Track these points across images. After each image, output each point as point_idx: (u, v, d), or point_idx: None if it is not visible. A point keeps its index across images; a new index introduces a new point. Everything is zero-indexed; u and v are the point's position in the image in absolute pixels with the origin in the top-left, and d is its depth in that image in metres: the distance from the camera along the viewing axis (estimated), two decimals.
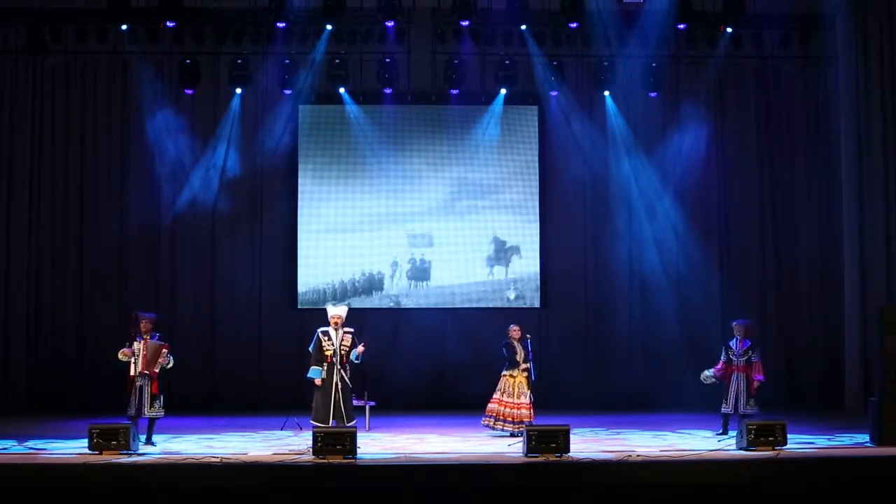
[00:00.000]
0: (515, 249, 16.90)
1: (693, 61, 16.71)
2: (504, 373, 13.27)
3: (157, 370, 12.30)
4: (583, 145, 16.83)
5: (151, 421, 12.17)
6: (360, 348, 12.16)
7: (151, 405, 12.21)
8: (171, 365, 12.39)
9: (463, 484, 10.32)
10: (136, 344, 12.23)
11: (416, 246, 16.85)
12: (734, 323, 13.24)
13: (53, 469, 10.51)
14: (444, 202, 16.90)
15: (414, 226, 16.81)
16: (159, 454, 11.31)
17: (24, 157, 16.31)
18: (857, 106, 15.74)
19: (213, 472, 10.36)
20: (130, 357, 12.16)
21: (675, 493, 10.25)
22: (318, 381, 12.14)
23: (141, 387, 12.20)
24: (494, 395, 13.22)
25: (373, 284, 16.76)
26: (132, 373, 12.16)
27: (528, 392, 13.04)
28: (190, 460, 10.75)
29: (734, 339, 13.10)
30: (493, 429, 13.07)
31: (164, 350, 12.35)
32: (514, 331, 13.31)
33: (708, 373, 13.01)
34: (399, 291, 16.80)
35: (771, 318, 16.65)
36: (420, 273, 16.83)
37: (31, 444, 12.10)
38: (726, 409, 12.96)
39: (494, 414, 13.14)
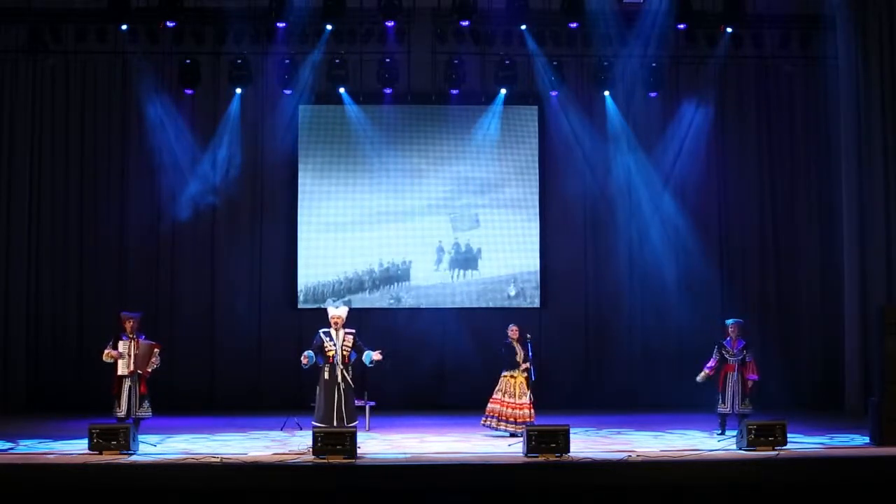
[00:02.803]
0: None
1: (693, 61, 16.69)
2: (504, 373, 13.28)
3: (149, 370, 12.30)
4: (583, 145, 16.83)
5: (137, 421, 12.13)
6: (377, 356, 12.14)
7: (140, 405, 12.21)
8: (158, 365, 12.41)
9: (463, 484, 10.33)
10: (121, 343, 12.20)
11: (459, 230, 16.85)
12: (729, 322, 13.25)
13: (53, 469, 10.51)
14: (444, 201, 16.89)
15: (456, 210, 16.82)
16: (159, 454, 11.31)
17: (24, 157, 16.29)
18: (857, 106, 15.71)
19: (213, 472, 10.38)
20: (118, 357, 12.14)
21: (675, 493, 10.26)
22: (304, 360, 11.96)
23: (130, 387, 12.19)
24: (494, 396, 13.23)
25: (399, 276, 16.73)
26: (121, 372, 12.15)
27: (529, 392, 13.05)
28: (190, 460, 10.76)
29: (728, 339, 13.12)
30: (496, 429, 13.07)
31: (157, 350, 12.36)
32: (513, 331, 13.31)
33: (702, 373, 13.04)
34: (441, 280, 16.75)
35: (771, 319, 16.65)
36: (465, 262, 16.81)
37: (30, 444, 12.11)
38: (723, 409, 12.99)
39: (496, 414, 13.14)
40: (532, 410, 12.96)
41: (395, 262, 16.80)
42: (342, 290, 16.70)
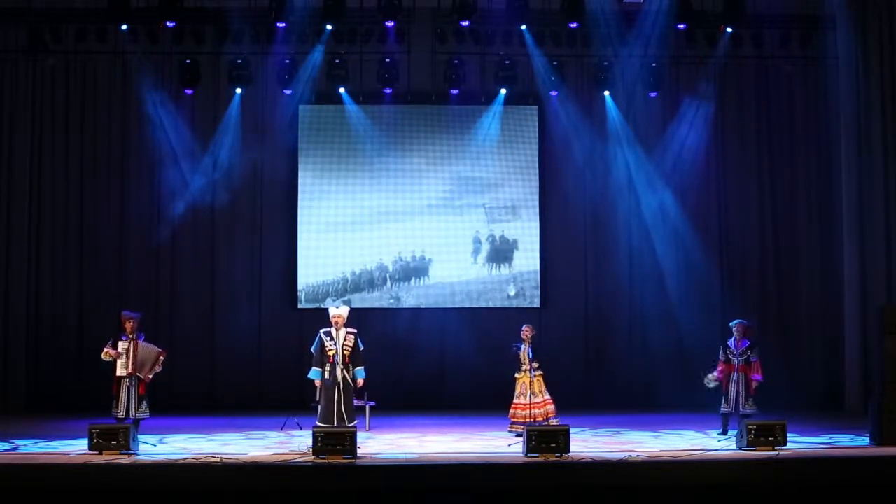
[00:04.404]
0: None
1: (693, 61, 16.70)
2: (515, 375, 13.27)
3: (150, 376, 12.30)
4: (583, 145, 16.83)
5: (136, 422, 12.12)
6: (360, 382, 12.31)
7: (139, 406, 12.21)
8: (160, 370, 12.44)
9: (463, 484, 10.32)
10: (121, 343, 12.20)
11: (495, 222, 16.86)
12: (733, 323, 13.25)
13: (53, 469, 10.50)
14: (443, 200, 16.89)
15: (493, 199, 16.91)
16: (159, 454, 11.31)
17: (24, 157, 16.30)
18: (857, 106, 15.73)
19: (213, 472, 10.37)
20: (116, 357, 12.15)
21: (675, 493, 10.26)
22: (317, 383, 12.19)
23: (129, 387, 12.20)
24: (514, 401, 13.22)
25: (410, 273, 16.77)
26: (119, 373, 12.16)
27: (529, 392, 12.99)
28: (190, 460, 10.75)
29: (732, 339, 13.11)
30: (517, 433, 13.07)
31: (162, 358, 12.36)
32: (525, 331, 13.29)
33: (711, 375, 13.02)
34: (479, 276, 16.80)
35: (771, 319, 16.65)
36: (501, 254, 16.82)
37: (30, 444, 12.10)
38: (726, 409, 12.97)
39: (511, 418, 13.14)
40: (545, 408, 12.95)
41: (396, 261, 16.79)
42: (350, 287, 16.70)
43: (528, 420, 12.73)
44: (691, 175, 16.81)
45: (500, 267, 16.92)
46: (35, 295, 16.28)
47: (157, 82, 16.25)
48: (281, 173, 16.74)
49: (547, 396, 13.11)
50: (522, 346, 13.19)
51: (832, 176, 16.49)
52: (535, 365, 13.05)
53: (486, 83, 16.39)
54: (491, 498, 10.24)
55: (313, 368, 12.24)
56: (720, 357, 13.08)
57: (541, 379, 13.10)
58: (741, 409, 12.84)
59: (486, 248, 16.91)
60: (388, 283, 16.81)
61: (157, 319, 15.92)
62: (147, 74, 16.15)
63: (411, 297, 16.80)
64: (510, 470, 10.61)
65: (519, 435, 12.32)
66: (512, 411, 13.11)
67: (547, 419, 12.89)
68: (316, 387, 12.31)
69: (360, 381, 12.27)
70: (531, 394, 12.97)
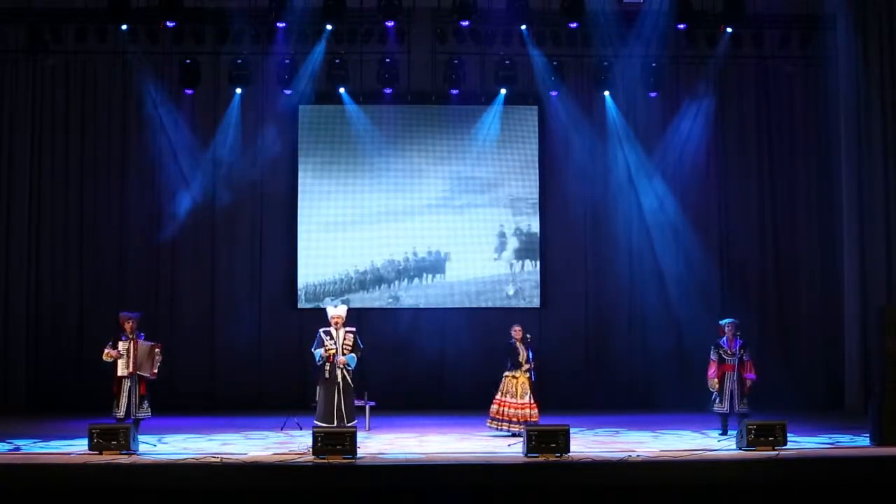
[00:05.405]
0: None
1: (693, 61, 16.70)
2: (506, 373, 13.27)
3: (155, 371, 12.31)
4: (583, 145, 16.82)
5: (136, 422, 12.14)
6: (341, 359, 12.23)
7: (140, 406, 12.22)
8: (160, 361, 12.44)
9: (463, 484, 10.33)
10: (121, 343, 12.21)
11: (519, 214, 16.87)
12: (725, 322, 13.24)
13: (53, 469, 10.51)
14: (443, 199, 16.89)
15: (516, 193, 16.95)
16: (159, 454, 11.31)
17: (24, 157, 16.30)
18: (857, 106, 15.73)
19: (213, 472, 10.37)
20: (117, 357, 12.15)
21: (675, 493, 10.26)
22: (324, 352, 12.14)
23: (130, 387, 12.21)
24: (496, 397, 13.22)
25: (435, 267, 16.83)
26: (120, 373, 12.17)
27: (528, 392, 13.05)
28: (190, 460, 10.75)
29: (724, 339, 13.12)
30: (500, 430, 13.05)
31: (157, 350, 12.36)
32: (517, 331, 13.31)
33: (712, 380, 13.02)
34: (505, 275, 16.84)
35: (771, 319, 16.65)
36: (526, 250, 16.87)
37: (30, 444, 12.11)
38: (723, 409, 12.98)
39: (500, 416, 13.13)
40: (536, 409, 12.99)
41: (407, 259, 16.80)
42: (355, 286, 16.69)
43: (527, 420, 12.75)
44: (691, 175, 16.81)
45: (528, 263, 16.89)
46: (35, 295, 16.27)
47: (157, 82, 16.25)
48: (281, 173, 16.74)
49: (530, 399, 13.13)
50: (520, 346, 13.19)
51: (832, 176, 16.49)
52: (534, 366, 13.07)
53: (486, 83, 16.39)
54: (491, 498, 10.24)
55: (315, 350, 12.24)
56: (712, 357, 13.09)
57: (529, 381, 13.14)
58: (737, 408, 12.86)
59: (512, 242, 16.91)
60: (401, 279, 16.77)
61: (157, 319, 15.91)
62: (147, 74, 16.16)
63: (410, 296, 16.80)
64: (510, 470, 10.61)
65: (517, 434, 12.36)
66: (511, 410, 13.09)
67: (535, 421, 12.91)
68: (319, 366, 12.26)
69: (342, 361, 12.21)
70: (524, 393, 13.00)
